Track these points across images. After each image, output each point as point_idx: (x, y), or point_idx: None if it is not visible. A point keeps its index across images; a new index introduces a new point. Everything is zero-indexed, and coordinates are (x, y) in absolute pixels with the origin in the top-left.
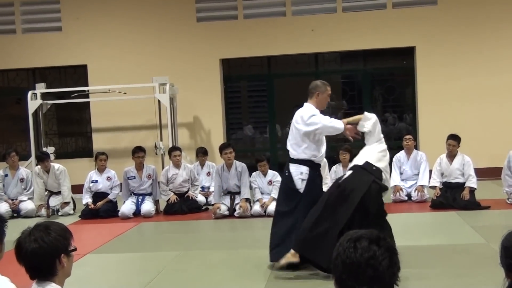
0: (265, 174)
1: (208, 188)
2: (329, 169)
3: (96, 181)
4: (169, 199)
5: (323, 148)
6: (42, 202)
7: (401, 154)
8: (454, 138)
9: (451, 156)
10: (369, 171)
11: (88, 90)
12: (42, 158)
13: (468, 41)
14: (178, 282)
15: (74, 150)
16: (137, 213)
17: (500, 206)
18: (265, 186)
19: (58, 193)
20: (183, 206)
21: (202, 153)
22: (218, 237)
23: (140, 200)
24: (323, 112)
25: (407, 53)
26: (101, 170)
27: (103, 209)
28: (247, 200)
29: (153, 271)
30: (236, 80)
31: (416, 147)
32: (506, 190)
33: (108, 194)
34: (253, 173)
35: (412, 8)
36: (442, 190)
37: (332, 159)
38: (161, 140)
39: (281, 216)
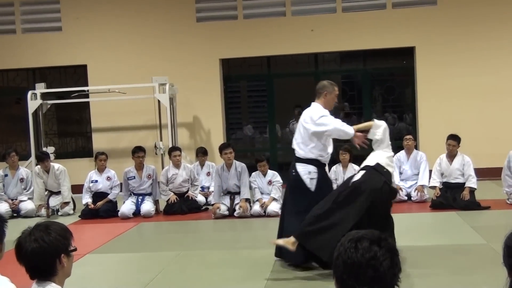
0: (264, 174)
1: (208, 188)
2: (329, 169)
3: (96, 181)
4: (169, 199)
5: (330, 148)
6: (42, 202)
7: (401, 154)
8: (454, 138)
9: (451, 156)
10: (380, 173)
11: (88, 90)
12: (42, 158)
13: (467, 41)
14: (178, 282)
15: (74, 150)
16: (137, 213)
17: (500, 206)
18: (265, 186)
19: (58, 193)
20: (183, 206)
21: (202, 153)
22: (217, 237)
23: (140, 200)
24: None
25: (407, 53)
26: (101, 170)
27: (103, 209)
28: (247, 200)
29: (153, 271)
30: (236, 80)
31: (416, 147)
32: (506, 190)
33: (108, 194)
34: (253, 173)
35: (412, 8)
36: (442, 190)
37: (332, 159)
38: (161, 140)
39: (294, 215)
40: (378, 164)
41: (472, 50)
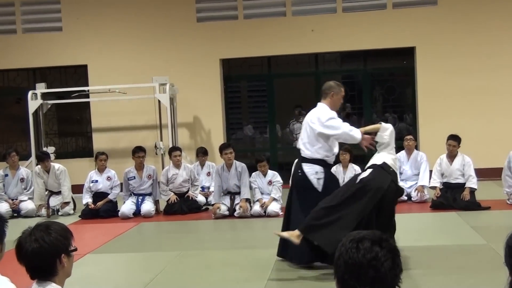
0: (265, 174)
1: (208, 188)
2: None
3: (96, 181)
4: (169, 199)
5: (336, 149)
6: (42, 202)
7: (401, 154)
8: (454, 139)
9: (451, 156)
10: (387, 172)
11: (88, 90)
12: (42, 158)
13: (468, 41)
14: (178, 282)
15: (74, 150)
16: (137, 213)
17: (500, 206)
18: (265, 186)
19: (58, 193)
20: (183, 206)
21: (202, 153)
22: (218, 237)
23: (140, 200)
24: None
25: (407, 53)
26: (101, 170)
27: (103, 209)
28: (247, 200)
29: (153, 271)
30: (236, 80)
31: (416, 147)
32: (506, 191)
33: (108, 194)
34: (253, 173)
35: (412, 8)
36: (442, 191)
37: None
38: (161, 140)
39: (301, 215)
40: (385, 163)
41: (472, 50)
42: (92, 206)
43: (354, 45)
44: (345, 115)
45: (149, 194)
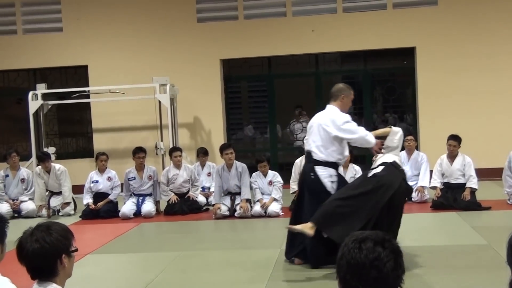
0: (265, 175)
1: (209, 188)
2: None
3: (97, 182)
4: (169, 199)
5: (347, 152)
6: (43, 202)
7: (402, 155)
8: (455, 139)
9: (452, 156)
10: (398, 170)
11: (88, 91)
12: (43, 159)
13: (468, 41)
14: (178, 282)
15: (75, 150)
16: (137, 214)
17: (501, 206)
18: (266, 187)
19: (59, 193)
20: (183, 207)
21: (202, 154)
22: (218, 237)
23: (140, 200)
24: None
25: (408, 54)
26: (101, 170)
27: (103, 210)
28: (248, 200)
29: (154, 271)
30: (237, 80)
31: (417, 148)
32: (506, 191)
33: (109, 194)
34: (253, 174)
35: (413, 9)
36: (442, 191)
37: None
38: (162, 140)
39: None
40: (395, 162)
41: (473, 50)
42: (93, 206)
43: (355, 45)
44: None
45: (150, 195)
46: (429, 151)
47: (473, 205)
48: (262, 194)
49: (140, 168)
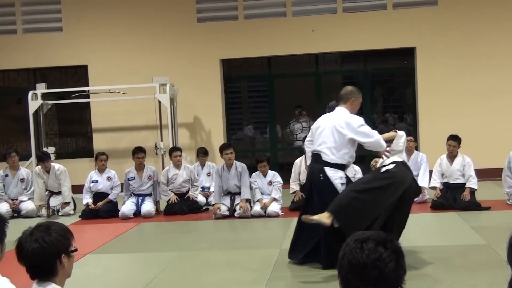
0: (265, 175)
1: (209, 188)
2: None
3: (97, 181)
4: (169, 199)
5: (354, 154)
6: (43, 202)
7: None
8: (455, 139)
9: (452, 156)
10: (408, 169)
11: (88, 91)
12: (42, 158)
13: (468, 41)
14: (178, 282)
15: (75, 150)
16: (137, 214)
17: (500, 207)
18: (265, 187)
19: (59, 193)
20: (183, 207)
21: (202, 154)
22: (218, 237)
23: (140, 200)
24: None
25: (408, 54)
26: (101, 170)
27: (103, 209)
28: (247, 200)
29: (153, 271)
30: (237, 80)
31: (417, 148)
32: (506, 191)
33: (108, 194)
34: (253, 174)
35: (413, 9)
36: (442, 191)
37: None
38: (162, 140)
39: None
40: (405, 162)
41: (472, 51)
42: (92, 206)
43: (355, 45)
44: None
45: (149, 195)
46: (429, 151)
47: (473, 205)
48: (262, 194)
49: (139, 168)
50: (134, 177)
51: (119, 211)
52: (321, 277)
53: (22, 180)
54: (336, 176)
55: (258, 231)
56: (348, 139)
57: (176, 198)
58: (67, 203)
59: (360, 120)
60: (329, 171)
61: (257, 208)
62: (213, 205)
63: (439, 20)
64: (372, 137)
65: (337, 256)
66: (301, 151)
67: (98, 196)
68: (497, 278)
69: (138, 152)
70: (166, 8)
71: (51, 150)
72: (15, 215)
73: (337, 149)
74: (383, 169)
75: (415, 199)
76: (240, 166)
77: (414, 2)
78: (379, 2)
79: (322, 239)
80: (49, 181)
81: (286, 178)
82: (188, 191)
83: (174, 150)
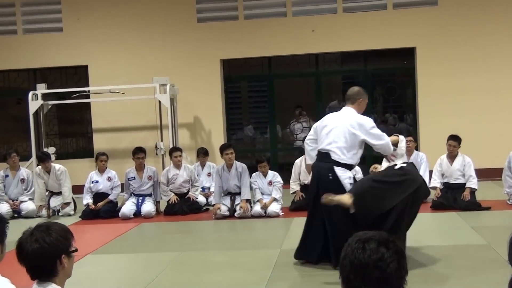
0: (265, 175)
1: (209, 188)
2: None
3: (97, 182)
4: (169, 199)
5: None
6: (43, 202)
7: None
8: (455, 139)
9: (452, 156)
10: (417, 170)
11: (88, 91)
12: (43, 159)
13: (468, 41)
14: (178, 282)
15: (75, 150)
16: (137, 214)
17: (501, 207)
18: (266, 187)
19: (59, 193)
20: (183, 207)
21: (203, 154)
22: (218, 237)
23: (140, 200)
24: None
25: (408, 54)
26: (101, 170)
27: (103, 210)
28: (248, 200)
29: (154, 272)
30: (237, 80)
31: (417, 148)
32: (506, 191)
33: (109, 194)
34: (253, 174)
35: (413, 9)
36: (442, 191)
37: None
38: (162, 140)
39: (337, 217)
40: (413, 164)
41: (473, 51)
42: (93, 206)
43: (355, 45)
44: None
45: (150, 195)
46: (429, 151)
47: (473, 205)
48: (262, 194)
49: (140, 168)
50: (134, 177)
51: (119, 211)
52: (322, 277)
53: (22, 180)
54: (345, 176)
55: (258, 231)
56: (360, 140)
57: (176, 199)
58: (67, 204)
59: (371, 121)
60: (338, 171)
61: (257, 208)
62: (213, 205)
63: (439, 20)
64: (383, 140)
65: None
66: (301, 151)
67: (99, 196)
68: (497, 278)
69: (138, 153)
70: (166, 8)
71: (51, 150)
72: (16, 215)
73: (347, 149)
74: (397, 166)
75: None
76: (240, 166)
77: (414, 2)
78: (379, 2)
79: (331, 237)
80: (49, 181)
81: (286, 178)
82: (188, 191)
83: (174, 150)
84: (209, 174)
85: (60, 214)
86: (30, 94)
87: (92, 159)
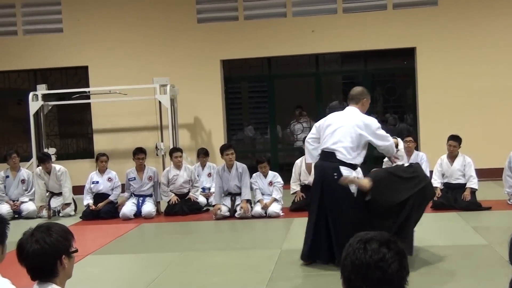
0: (265, 175)
1: (209, 189)
2: None
3: (97, 182)
4: (170, 200)
5: None
6: (43, 203)
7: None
8: (455, 139)
9: (452, 156)
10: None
11: (89, 91)
12: (43, 160)
13: (468, 41)
14: (179, 283)
15: (75, 151)
16: (138, 214)
17: (501, 207)
18: (266, 187)
19: (59, 194)
20: (184, 207)
21: (203, 154)
22: (218, 238)
23: (140, 201)
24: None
25: (408, 54)
26: (102, 171)
27: (104, 210)
28: (248, 201)
29: (154, 272)
30: (237, 81)
31: (417, 148)
32: (507, 191)
33: (109, 195)
34: (254, 174)
35: (413, 9)
36: (443, 191)
37: None
38: (162, 141)
39: (339, 214)
40: (418, 164)
41: (473, 51)
42: (93, 207)
43: (355, 45)
44: None
45: (150, 195)
46: (429, 151)
47: (474, 205)
48: (263, 194)
49: (140, 168)
50: (134, 177)
51: (120, 211)
52: (323, 277)
53: (23, 181)
54: (350, 176)
55: (258, 232)
56: (366, 140)
57: (177, 199)
58: (68, 204)
59: (377, 122)
60: (344, 171)
61: (257, 208)
62: (213, 205)
63: (439, 20)
64: (388, 141)
65: None
66: (301, 152)
67: (99, 197)
68: (498, 278)
69: (139, 153)
70: (166, 9)
71: (51, 151)
72: (16, 216)
73: (353, 149)
74: (406, 164)
75: None
76: (240, 166)
77: (414, 2)
78: (379, 2)
79: (334, 236)
80: (49, 182)
81: (286, 178)
82: (189, 191)
83: (175, 151)
84: (209, 175)
85: (60, 214)
86: (31, 95)
87: (93, 159)
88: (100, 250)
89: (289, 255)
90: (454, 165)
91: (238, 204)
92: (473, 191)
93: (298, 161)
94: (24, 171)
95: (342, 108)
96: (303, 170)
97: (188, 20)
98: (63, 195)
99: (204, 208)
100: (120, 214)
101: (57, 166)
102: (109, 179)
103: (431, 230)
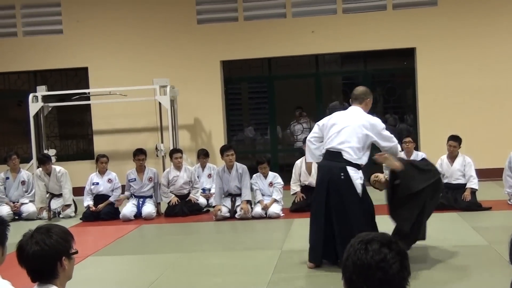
0: (265, 176)
1: (209, 190)
2: None
3: (97, 183)
4: (170, 201)
5: None
6: (44, 204)
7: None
8: (455, 139)
9: (452, 157)
10: None
11: (89, 93)
12: (43, 161)
13: (468, 41)
14: (179, 284)
15: (75, 152)
16: (138, 215)
17: (501, 207)
18: (266, 188)
19: (60, 195)
20: (184, 208)
21: (203, 155)
22: (219, 239)
23: (141, 202)
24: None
25: (408, 54)
26: (102, 172)
27: (104, 212)
28: (248, 201)
29: (155, 273)
30: (237, 81)
31: (417, 148)
32: (507, 191)
33: (109, 196)
34: (254, 175)
35: (413, 9)
36: (443, 191)
37: None
38: (162, 142)
39: (345, 214)
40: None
41: (472, 51)
42: (93, 208)
43: (355, 46)
44: None
45: (150, 196)
46: (429, 151)
47: (474, 206)
48: (263, 195)
49: (140, 170)
50: (134, 178)
51: (120, 212)
52: (324, 278)
53: (23, 182)
54: (357, 176)
55: (259, 233)
56: (370, 141)
57: (177, 200)
58: (68, 205)
59: (381, 122)
60: (351, 171)
61: (258, 209)
62: (213, 206)
63: (439, 20)
64: (393, 142)
65: None
66: (301, 153)
67: (99, 198)
68: (498, 278)
69: (139, 154)
70: (166, 10)
71: (51, 152)
72: (16, 217)
73: (359, 149)
74: (419, 158)
75: None
76: (240, 167)
77: (414, 2)
78: (379, 3)
79: (339, 236)
80: (50, 183)
81: (286, 179)
82: (189, 192)
83: (175, 152)
84: (209, 176)
85: (60, 216)
86: (31, 96)
87: (93, 161)
88: (100, 251)
89: (289, 255)
90: (454, 165)
91: (238, 205)
92: (473, 191)
93: (298, 162)
94: (24, 173)
95: (343, 109)
96: (303, 171)
97: (188, 21)
98: (63, 197)
99: (204, 209)
100: (121, 215)
101: (57, 168)
102: (109, 180)
103: (432, 230)
